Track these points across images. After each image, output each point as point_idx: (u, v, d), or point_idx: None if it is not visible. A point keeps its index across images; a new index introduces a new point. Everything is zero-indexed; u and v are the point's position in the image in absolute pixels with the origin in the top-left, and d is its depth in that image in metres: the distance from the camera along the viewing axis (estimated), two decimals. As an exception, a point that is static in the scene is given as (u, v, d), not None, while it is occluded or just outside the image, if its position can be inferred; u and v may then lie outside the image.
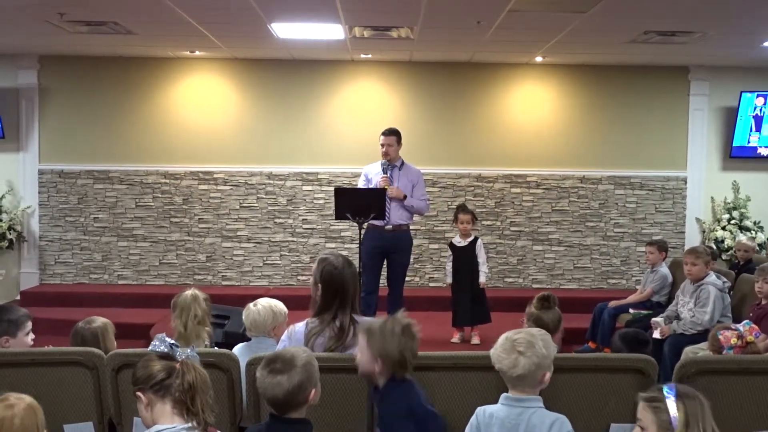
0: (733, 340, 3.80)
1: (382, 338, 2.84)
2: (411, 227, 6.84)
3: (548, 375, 2.79)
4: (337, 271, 3.37)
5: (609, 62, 8.24)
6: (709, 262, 5.77)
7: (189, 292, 3.95)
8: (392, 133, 6.59)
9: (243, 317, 3.88)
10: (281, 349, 2.69)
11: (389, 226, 6.49)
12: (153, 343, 2.50)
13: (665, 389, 2.43)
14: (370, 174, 6.71)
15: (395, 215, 6.49)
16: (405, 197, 6.47)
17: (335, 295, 3.34)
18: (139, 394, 2.42)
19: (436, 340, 6.58)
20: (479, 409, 2.81)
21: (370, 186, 6.61)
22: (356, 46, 7.50)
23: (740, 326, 4.02)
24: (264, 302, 3.87)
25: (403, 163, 6.68)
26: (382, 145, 6.56)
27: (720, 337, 3.86)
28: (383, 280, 6.76)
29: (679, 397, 2.38)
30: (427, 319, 7.14)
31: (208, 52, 8.02)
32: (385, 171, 6.53)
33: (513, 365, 2.73)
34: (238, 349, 3.75)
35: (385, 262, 6.69)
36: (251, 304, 3.87)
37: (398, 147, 6.62)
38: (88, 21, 6.41)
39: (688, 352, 5.00)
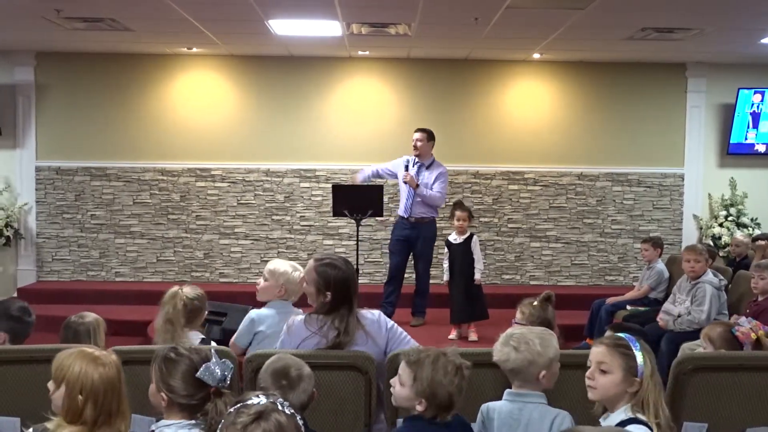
0: (753, 335, 3.81)
1: (433, 374, 2.53)
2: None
3: (544, 373, 2.78)
4: (344, 274, 3.31)
5: (606, 59, 8.25)
6: (708, 260, 5.78)
7: (172, 289, 3.74)
8: (421, 130, 7.03)
9: (285, 280, 3.92)
10: (282, 364, 2.65)
11: (412, 218, 6.91)
12: (204, 370, 2.36)
13: (628, 340, 2.55)
14: (399, 167, 7.07)
15: (417, 209, 6.92)
16: (417, 186, 6.82)
17: (344, 298, 3.28)
18: (162, 395, 2.42)
19: (433, 337, 6.59)
20: (483, 407, 2.81)
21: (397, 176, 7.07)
22: (354, 43, 7.49)
23: (744, 322, 4.01)
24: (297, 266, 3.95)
25: (432, 163, 7.03)
26: (414, 140, 6.97)
27: (737, 334, 3.84)
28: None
29: (643, 348, 2.52)
30: (425, 316, 7.18)
31: (205, 49, 8.01)
32: (406, 168, 6.93)
33: (506, 358, 2.79)
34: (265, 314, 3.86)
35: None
36: (294, 269, 3.93)
37: (428, 144, 6.99)
38: (85, 17, 6.39)
39: (685, 348, 5.01)
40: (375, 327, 3.34)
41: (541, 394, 2.79)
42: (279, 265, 3.97)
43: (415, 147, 6.92)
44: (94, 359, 2.34)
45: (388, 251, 7.33)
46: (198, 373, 2.37)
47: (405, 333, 3.41)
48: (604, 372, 2.49)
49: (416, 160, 6.95)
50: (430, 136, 6.99)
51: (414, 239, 6.96)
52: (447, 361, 2.57)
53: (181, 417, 2.40)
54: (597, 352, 2.54)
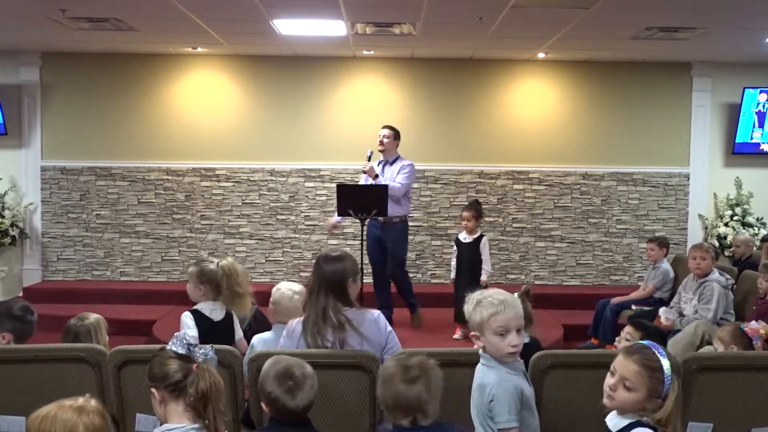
0: (762, 331, 3.81)
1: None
2: (415, 224, 6.96)
3: (475, 335, 2.79)
4: (320, 263, 3.37)
5: (611, 58, 8.23)
6: (713, 258, 5.78)
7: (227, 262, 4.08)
8: (388, 127, 6.95)
9: (273, 300, 3.93)
10: (284, 365, 2.66)
11: (381, 218, 6.73)
12: (171, 341, 2.49)
13: (664, 367, 2.39)
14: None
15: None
16: (376, 176, 6.73)
17: (318, 289, 3.32)
18: (153, 390, 2.44)
19: (437, 337, 6.59)
20: None
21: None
22: (358, 43, 7.49)
23: (754, 324, 4.03)
24: (298, 290, 3.90)
25: (395, 159, 6.91)
26: (380, 135, 6.90)
27: (746, 329, 3.86)
28: None
29: (675, 372, 2.39)
30: (430, 316, 7.18)
31: (210, 49, 8.02)
32: (369, 160, 6.84)
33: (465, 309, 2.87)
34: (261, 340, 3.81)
35: None
36: (290, 292, 3.88)
37: (394, 141, 6.90)
38: (91, 17, 6.40)
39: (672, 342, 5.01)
40: (374, 327, 3.32)
41: (483, 355, 2.78)
42: (279, 286, 4.00)
43: (381, 143, 6.86)
44: (77, 410, 2.10)
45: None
46: (168, 345, 2.47)
47: (397, 342, 3.42)
48: (628, 388, 2.38)
49: (381, 158, 6.91)
50: (396, 134, 6.94)
51: (384, 240, 6.85)
52: (408, 367, 2.53)
53: (181, 417, 2.39)
54: (627, 368, 2.39)
